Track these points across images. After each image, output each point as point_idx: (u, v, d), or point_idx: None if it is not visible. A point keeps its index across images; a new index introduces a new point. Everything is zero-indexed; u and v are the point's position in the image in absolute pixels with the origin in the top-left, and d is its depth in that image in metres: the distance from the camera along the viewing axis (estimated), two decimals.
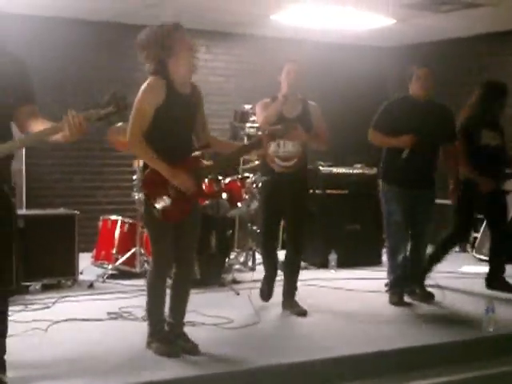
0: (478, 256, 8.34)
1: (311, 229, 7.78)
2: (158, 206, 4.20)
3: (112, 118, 3.44)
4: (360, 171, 8.03)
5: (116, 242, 6.77)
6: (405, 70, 5.98)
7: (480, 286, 6.60)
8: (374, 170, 7.77)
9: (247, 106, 8.06)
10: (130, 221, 6.87)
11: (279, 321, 5.36)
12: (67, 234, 6.34)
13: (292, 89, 5.36)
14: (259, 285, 5.81)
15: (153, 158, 4.17)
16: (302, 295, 5.76)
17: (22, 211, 6.76)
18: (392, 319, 5.53)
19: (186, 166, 4.24)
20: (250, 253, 7.37)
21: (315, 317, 5.46)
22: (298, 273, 5.66)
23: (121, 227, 6.83)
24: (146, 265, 6.71)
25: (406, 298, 6.05)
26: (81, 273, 6.58)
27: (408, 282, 6.01)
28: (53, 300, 5.76)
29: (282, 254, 6.00)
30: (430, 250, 6.32)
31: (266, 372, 4.26)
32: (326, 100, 8.29)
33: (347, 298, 6.26)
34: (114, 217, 6.95)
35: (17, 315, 5.02)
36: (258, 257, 6.52)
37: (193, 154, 4.36)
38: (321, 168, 7.94)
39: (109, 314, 5.34)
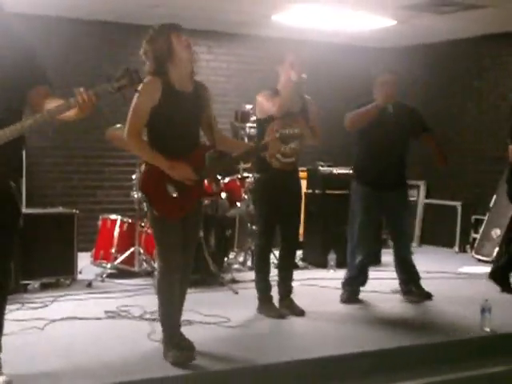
0: (477, 256, 8.35)
1: (311, 229, 7.82)
2: (174, 194, 4.16)
3: (125, 91, 3.54)
4: None
5: (115, 241, 6.78)
6: (370, 71, 5.95)
7: (478, 286, 6.61)
8: None
9: (248, 106, 8.07)
10: (130, 220, 6.88)
11: (277, 320, 5.36)
12: (66, 233, 6.36)
13: (300, 79, 5.30)
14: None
15: (149, 152, 4.16)
16: (301, 295, 5.77)
17: (22, 210, 6.74)
18: (391, 319, 5.54)
19: (187, 163, 4.19)
20: (249, 252, 7.38)
21: (313, 316, 5.46)
22: (292, 272, 5.63)
23: (120, 226, 6.84)
24: (144, 264, 6.74)
25: (404, 298, 6.08)
26: (80, 272, 6.58)
27: (363, 284, 6.06)
28: (51, 299, 5.76)
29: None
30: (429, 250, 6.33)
31: (263, 371, 4.27)
32: (326, 100, 8.33)
33: None
34: (113, 216, 6.97)
35: (15, 313, 5.03)
36: None
37: (196, 152, 4.28)
38: (321, 168, 7.95)
39: (106, 312, 5.35)
